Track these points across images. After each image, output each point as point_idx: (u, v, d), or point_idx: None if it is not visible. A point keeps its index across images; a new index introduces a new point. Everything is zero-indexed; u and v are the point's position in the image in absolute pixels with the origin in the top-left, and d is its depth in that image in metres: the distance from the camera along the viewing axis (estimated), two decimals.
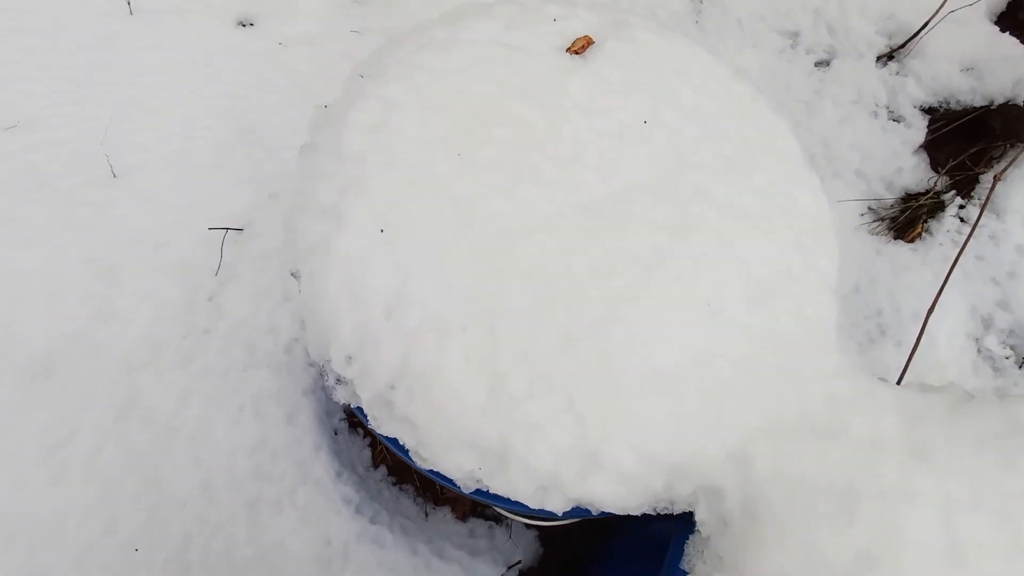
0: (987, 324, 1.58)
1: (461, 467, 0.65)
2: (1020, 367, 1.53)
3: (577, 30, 0.90)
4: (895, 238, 1.70)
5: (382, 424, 0.68)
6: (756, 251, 0.76)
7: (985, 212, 1.61)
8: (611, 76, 0.83)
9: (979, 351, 1.58)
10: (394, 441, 0.69)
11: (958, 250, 1.57)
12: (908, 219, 1.67)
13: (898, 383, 1.48)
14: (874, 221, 1.72)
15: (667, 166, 0.78)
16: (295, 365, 1.47)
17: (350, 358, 0.68)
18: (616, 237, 0.71)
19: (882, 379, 0.76)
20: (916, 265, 1.64)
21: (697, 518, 0.68)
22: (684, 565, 0.70)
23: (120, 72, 1.74)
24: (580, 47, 0.88)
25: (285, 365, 1.46)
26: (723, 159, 0.81)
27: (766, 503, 0.63)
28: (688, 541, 0.71)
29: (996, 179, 1.39)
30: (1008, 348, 1.55)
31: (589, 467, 0.65)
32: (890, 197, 1.70)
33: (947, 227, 1.62)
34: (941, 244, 1.62)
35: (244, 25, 1.89)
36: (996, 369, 1.56)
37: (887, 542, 0.57)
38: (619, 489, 0.67)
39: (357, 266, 0.69)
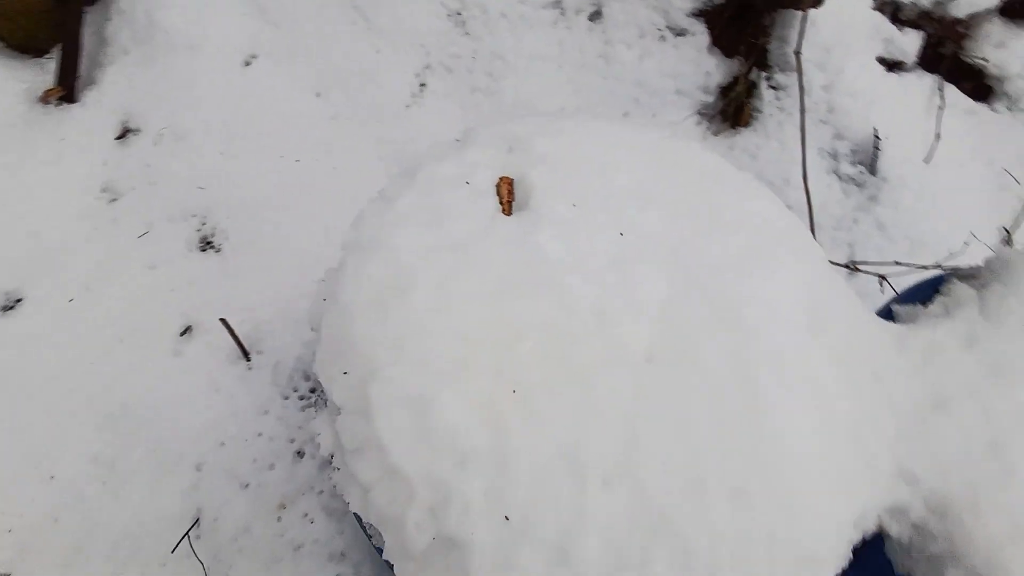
0: (834, 156, 1.83)
1: None
2: (872, 174, 1.81)
3: (489, 177, 0.83)
4: (733, 127, 1.88)
5: None
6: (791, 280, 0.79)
7: (783, 71, 1.82)
8: (561, 208, 0.79)
9: (840, 178, 1.84)
10: None
11: (793, 117, 1.78)
12: (735, 108, 1.84)
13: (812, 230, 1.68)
14: (709, 122, 1.88)
15: (678, 266, 0.77)
16: None
17: None
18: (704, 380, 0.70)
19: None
20: (763, 141, 1.83)
21: (892, 534, 0.74)
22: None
23: None
24: (508, 194, 0.82)
25: None
26: (710, 220, 0.82)
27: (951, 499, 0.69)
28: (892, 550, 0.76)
29: (798, 54, 1.57)
30: (858, 165, 1.82)
31: None
32: (711, 98, 1.86)
33: (767, 99, 1.82)
34: (771, 115, 1.82)
35: (8, 308, 1.51)
36: (859, 184, 1.83)
37: None
38: None
39: None
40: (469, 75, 1.87)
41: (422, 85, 1.88)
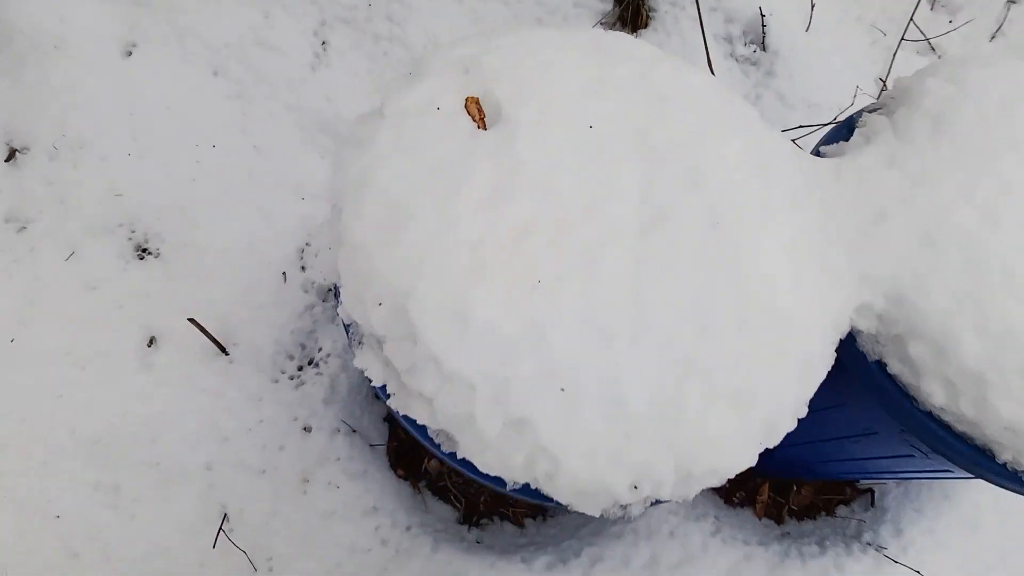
0: (729, 40, 1.95)
1: None
2: (764, 50, 1.96)
3: (454, 100, 0.86)
4: (634, 31, 1.95)
5: None
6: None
7: None
8: (531, 115, 0.83)
9: (737, 60, 1.97)
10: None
11: (687, 10, 1.87)
12: (632, 11, 1.91)
13: None
14: (611, 30, 1.94)
15: (645, 145, 0.84)
16: None
17: None
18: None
19: None
20: (664, 39, 1.92)
21: (863, 329, 0.88)
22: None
23: None
24: (479, 111, 0.85)
25: None
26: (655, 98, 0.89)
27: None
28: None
29: None
30: (750, 44, 1.96)
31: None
32: (609, 6, 1.92)
33: None
34: (666, 12, 1.91)
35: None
36: (754, 63, 1.97)
37: None
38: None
39: None
40: (369, 24, 1.82)
41: (323, 43, 1.82)
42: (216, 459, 1.37)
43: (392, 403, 0.74)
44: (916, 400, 0.87)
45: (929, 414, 0.87)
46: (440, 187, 0.76)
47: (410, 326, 0.70)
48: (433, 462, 1.61)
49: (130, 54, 1.69)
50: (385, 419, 1.63)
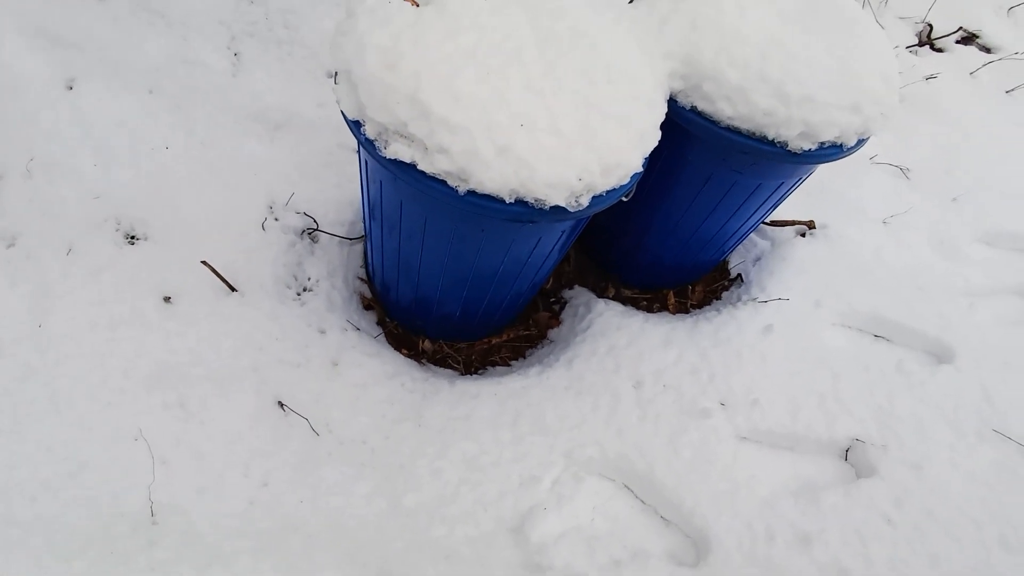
0: None
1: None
2: None
3: None
4: None
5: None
6: None
7: None
8: None
9: None
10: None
11: None
12: None
13: None
14: None
15: (527, 7, 1.36)
16: None
17: None
18: None
19: None
20: None
21: (676, 87, 1.45)
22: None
23: None
24: (413, 1, 1.32)
25: None
26: None
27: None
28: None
29: None
30: None
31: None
32: None
33: None
34: None
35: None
36: None
37: None
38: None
39: None
40: (271, 33, 2.22)
41: (235, 55, 2.18)
42: (259, 363, 1.65)
43: (421, 166, 1.17)
44: (718, 123, 1.45)
45: (728, 128, 1.45)
46: (414, 33, 1.22)
47: (423, 106, 1.15)
48: (426, 343, 1.98)
49: (71, 88, 1.94)
50: (377, 323, 1.98)
